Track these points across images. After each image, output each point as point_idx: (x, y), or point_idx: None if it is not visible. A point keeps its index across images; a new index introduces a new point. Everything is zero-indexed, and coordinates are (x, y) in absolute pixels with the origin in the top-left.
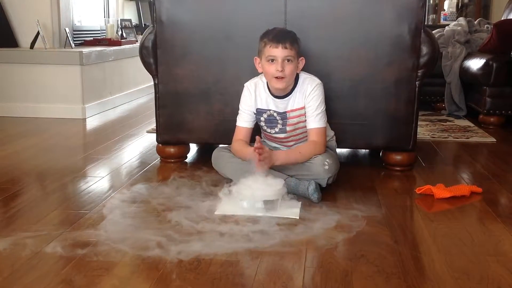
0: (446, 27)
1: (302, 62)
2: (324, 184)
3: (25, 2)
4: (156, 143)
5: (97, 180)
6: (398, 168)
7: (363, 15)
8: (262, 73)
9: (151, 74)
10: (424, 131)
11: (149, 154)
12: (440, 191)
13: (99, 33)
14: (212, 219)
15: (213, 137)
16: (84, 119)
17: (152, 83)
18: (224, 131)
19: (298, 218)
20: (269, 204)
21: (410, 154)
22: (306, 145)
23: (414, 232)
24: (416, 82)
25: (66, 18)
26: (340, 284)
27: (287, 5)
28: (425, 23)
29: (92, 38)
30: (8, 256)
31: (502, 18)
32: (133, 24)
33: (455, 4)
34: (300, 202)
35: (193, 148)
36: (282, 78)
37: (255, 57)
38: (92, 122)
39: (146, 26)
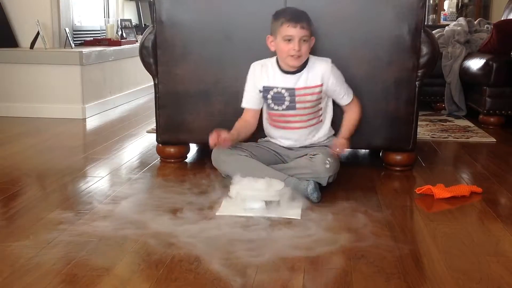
0: (446, 27)
1: (312, 41)
2: (324, 183)
3: (25, 2)
4: (156, 143)
5: (97, 180)
6: (398, 168)
7: (363, 15)
8: (274, 51)
9: (151, 74)
10: (424, 131)
11: (149, 154)
12: (440, 191)
13: (99, 33)
14: (213, 220)
15: None
16: (84, 119)
17: (152, 83)
18: None
19: (299, 218)
20: (270, 204)
21: (410, 154)
22: (353, 116)
23: (414, 232)
24: (416, 82)
25: (66, 18)
26: (340, 284)
27: (287, 5)
28: (425, 23)
29: (92, 38)
30: (8, 256)
31: (502, 18)
32: (133, 24)
33: (455, 4)
34: (302, 203)
35: (193, 148)
36: (298, 56)
37: (268, 35)
38: (92, 122)
39: (146, 26)
